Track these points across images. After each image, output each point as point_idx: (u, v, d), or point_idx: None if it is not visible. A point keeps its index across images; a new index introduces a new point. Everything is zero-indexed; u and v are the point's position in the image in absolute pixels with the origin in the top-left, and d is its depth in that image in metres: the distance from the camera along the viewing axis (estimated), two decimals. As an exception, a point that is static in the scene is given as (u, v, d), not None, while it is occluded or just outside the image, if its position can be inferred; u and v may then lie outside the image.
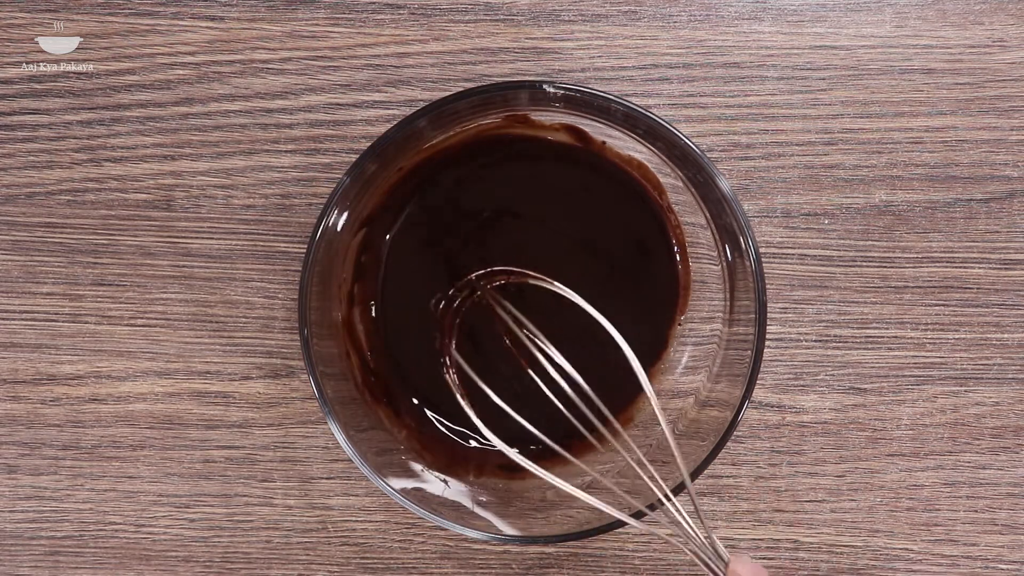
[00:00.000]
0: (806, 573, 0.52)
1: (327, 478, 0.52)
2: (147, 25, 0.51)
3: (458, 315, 0.49)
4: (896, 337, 0.51)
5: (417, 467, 0.48)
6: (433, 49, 0.50)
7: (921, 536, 0.52)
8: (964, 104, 0.51)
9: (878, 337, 0.51)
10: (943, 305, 0.51)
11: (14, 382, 0.52)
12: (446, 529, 0.44)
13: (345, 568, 0.52)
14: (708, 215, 0.45)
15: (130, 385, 0.51)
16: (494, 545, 0.51)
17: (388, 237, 0.49)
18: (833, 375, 0.51)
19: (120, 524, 0.52)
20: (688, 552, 0.39)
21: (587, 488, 0.48)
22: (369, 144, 0.42)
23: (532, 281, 0.47)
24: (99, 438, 0.52)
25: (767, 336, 0.44)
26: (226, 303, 0.51)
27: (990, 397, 0.51)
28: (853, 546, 0.52)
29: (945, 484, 0.52)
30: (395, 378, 0.50)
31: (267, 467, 0.52)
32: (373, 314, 0.50)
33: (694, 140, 0.42)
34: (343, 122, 0.51)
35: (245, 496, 0.52)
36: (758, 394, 0.51)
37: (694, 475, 0.43)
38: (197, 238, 0.51)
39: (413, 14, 0.50)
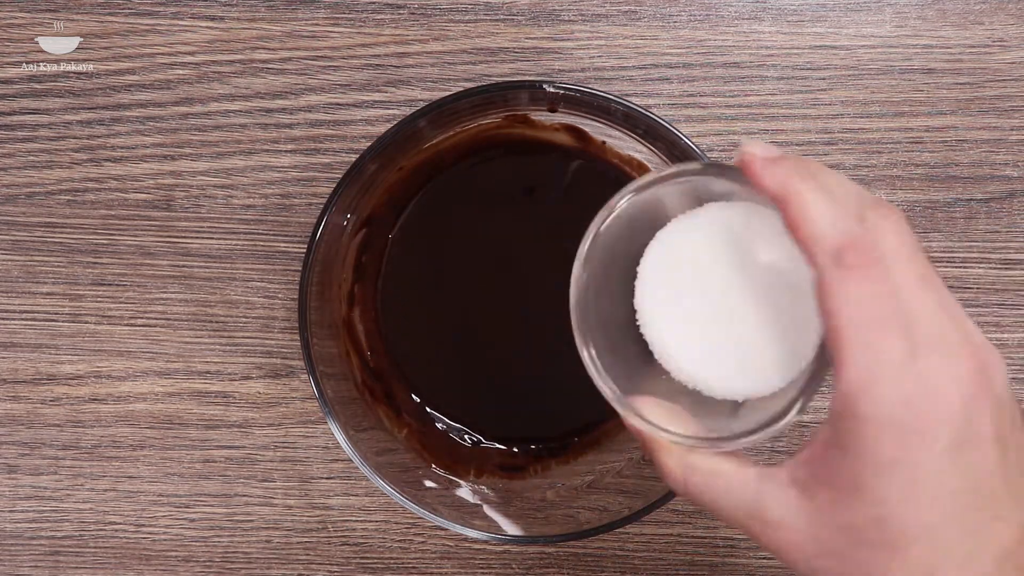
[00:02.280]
0: (806, 573, 0.52)
1: (327, 478, 0.52)
2: (147, 25, 0.51)
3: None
4: (896, 337, 0.51)
5: (417, 467, 0.48)
6: (433, 49, 0.50)
7: (921, 536, 0.52)
8: (964, 104, 0.51)
9: (878, 337, 0.51)
10: (943, 305, 0.51)
11: (14, 382, 0.52)
12: (446, 529, 0.44)
13: (345, 568, 0.52)
14: (708, 215, 0.45)
15: (130, 385, 0.51)
16: (494, 545, 0.51)
17: (388, 237, 0.49)
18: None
19: (120, 524, 0.52)
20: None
21: (587, 487, 0.48)
22: (369, 144, 0.42)
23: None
24: (99, 438, 0.52)
25: (767, 336, 0.44)
26: (226, 303, 0.51)
27: (990, 397, 0.51)
28: (853, 546, 0.52)
29: (945, 484, 0.52)
30: (395, 378, 0.50)
31: (267, 467, 0.51)
32: (373, 314, 0.50)
33: (694, 140, 0.42)
34: (343, 122, 0.51)
35: (245, 496, 0.52)
36: (758, 394, 0.51)
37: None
38: (197, 238, 0.51)
39: (413, 14, 0.50)
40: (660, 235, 0.34)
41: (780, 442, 0.51)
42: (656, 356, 0.35)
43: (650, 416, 0.34)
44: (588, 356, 0.35)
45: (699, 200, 0.35)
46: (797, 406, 0.32)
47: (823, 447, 0.30)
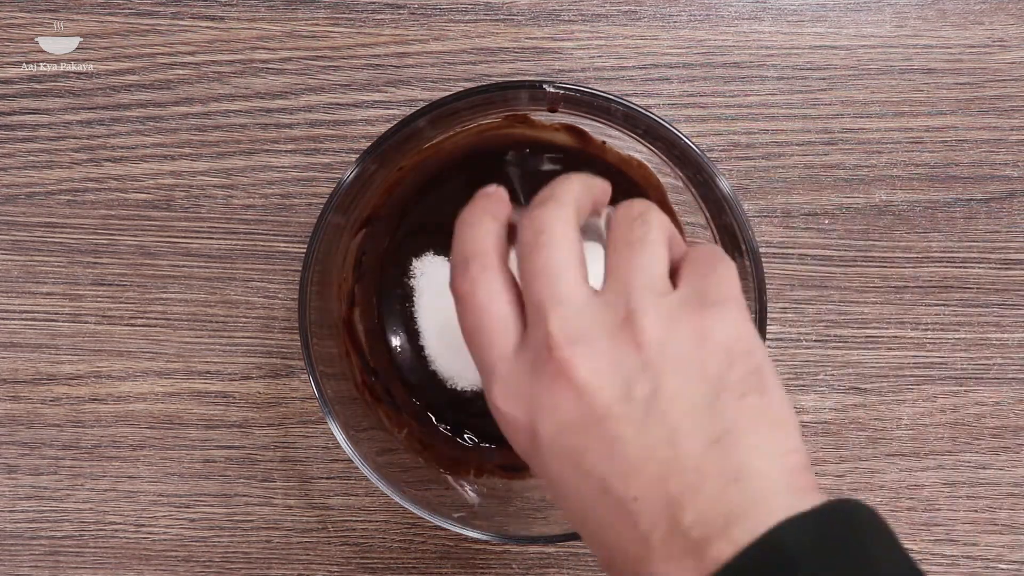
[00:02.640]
0: (806, 573, 0.52)
1: (327, 478, 0.52)
2: (147, 25, 0.51)
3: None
4: (896, 337, 0.51)
5: (417, 467, 0.48)
6: (433, 49, 0.50)
7: (921, 536, 0.52)
8: (964, 104, 0.51)
9: (878, 337, 0.51)
10: (943, 305, 0.51)
11: (14, 382, 0.52)
12: (446, 529, 0.44)
13: (345, 568, 0.52)
14: (708, 215, 0.45)
15: (130, 385, 0.51)
16: (494, 545, 0.51)
17: (389, 237, 0.49)
18: (833, 375, 0.51)
19: (120, 524, 0.52)
20: None
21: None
22: (369, 144, 0.42)
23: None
24: (99, 438, 0.52)
25: (767, 336, 0.44)
26: (226, 303, 0.51)
27: (990, 397, 0.51)
28: (853, 546, 0.52)
29: (945, 484, 0.52)
30: (395, 378, 0.50)
31: (267, 467, 0.51)
32: (373, 314, 0.50)
33: (694, 140, 0.42)
34: (343, 122, 0.51)
35: (245, 496, 0.52)
36: (758, 394, 0.51)
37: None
38: (197, 238, 0.51)
39: (413, 14, 0.50)
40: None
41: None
42: None
43: None
44: None
45: None
46: None
47: None
